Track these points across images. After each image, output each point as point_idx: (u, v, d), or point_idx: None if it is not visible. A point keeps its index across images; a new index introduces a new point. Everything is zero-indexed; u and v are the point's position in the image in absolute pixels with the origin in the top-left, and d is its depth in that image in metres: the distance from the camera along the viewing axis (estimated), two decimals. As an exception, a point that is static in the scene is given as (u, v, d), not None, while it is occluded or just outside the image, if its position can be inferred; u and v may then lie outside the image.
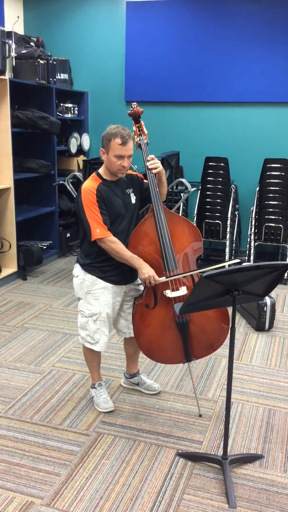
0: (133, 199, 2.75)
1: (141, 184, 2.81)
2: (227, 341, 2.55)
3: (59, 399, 3.04)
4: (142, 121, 2.83)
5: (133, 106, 2.83)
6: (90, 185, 2.64)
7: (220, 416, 2.89)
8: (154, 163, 2.70)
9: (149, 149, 2.79)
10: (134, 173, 2.85)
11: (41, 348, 3.70)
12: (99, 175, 2.69)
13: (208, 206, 5.41)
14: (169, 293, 2.68)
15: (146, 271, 2.61)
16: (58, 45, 6.18)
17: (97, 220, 2.59)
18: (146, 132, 2.83)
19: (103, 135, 2.61)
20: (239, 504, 2.24)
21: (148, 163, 2.71)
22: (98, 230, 2.59)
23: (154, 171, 2.71)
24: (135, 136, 2.81)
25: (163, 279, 2.65)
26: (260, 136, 5.75)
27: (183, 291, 2.68)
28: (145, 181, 2.82)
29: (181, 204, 5.26)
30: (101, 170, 2.70)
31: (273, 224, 5.25)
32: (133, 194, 2.76)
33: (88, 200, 2.60)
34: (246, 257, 5.42)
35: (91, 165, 4.78)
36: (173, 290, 2.68)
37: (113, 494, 2.28)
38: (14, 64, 5.21)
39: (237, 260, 2.51)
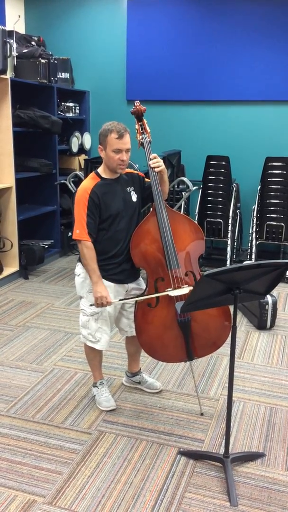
0: (134, 198, 2.76)
1: (142, 182, 2.82)
2: (228, 339, 2.55)
3: (60, 397, 3.04)
4: (144, 120, 2.84)
5: (136, 104, 2.82)
6: (86, 185, 2.65)
7: (221, 414, 2.89)
8: (157, 162, 2.70)
9: (151, 148, 2.79)
10: (135, 172, 2.86)
11: (43, 347, 3.71)
12: (97, 174, 2.70)
13: (210, 205, 5.40)
14: (171, 292, 2.68)
15: (100, 290, 2.62)
16: (59, 44, 6.18)
17: (81, 221, 2.60)
18: (148, 130, 2.83)
19: (99, 132, 2.62)
20: (240, 502, 2.24)
21: (150, 162, 2.71)
22: (78, 231, 2.61)
23: (156, 169, 2.71)
24: (138, 135, 2.81)
25: (115, 301, 2.68)
26: (261, 135, 5.74)
27: (185, 289, 2.68)
28: (146, 179, 2.83)
29: (183, 203, 5.26)
30: (100, 169, 2.71)
31: (274, 223, 5.24)
32: (134, 192, 2.76)
33: (80, 199, 2.62)
34: (248, 256, 5.42)
35: (93, 164, 4.78)
36: (175, 289, 2.68)
37: (115, 492, 2.29)
38: (15, 63, 5.22)
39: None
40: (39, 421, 2.81)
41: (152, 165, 2.70)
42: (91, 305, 2.73)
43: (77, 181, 5.40)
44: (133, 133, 2.75)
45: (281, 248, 5.70)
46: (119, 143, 2.57)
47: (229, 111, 5.81)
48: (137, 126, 2.83)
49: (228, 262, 5.26)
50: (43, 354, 3.60)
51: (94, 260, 2.63)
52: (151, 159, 2.72)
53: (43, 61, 5.27)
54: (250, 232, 5.47)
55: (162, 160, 2.73)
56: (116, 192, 2.68)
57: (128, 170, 2.77)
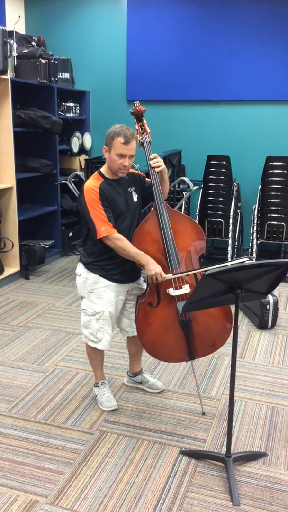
0: (135, 198, 2.76)
1: (143, 182, 2.82)
2: (230, 339, 2.55)
3: (62, 398, 3.04)
4: (144, 120, 2.84)
5: (135, 105, 2.83)
6: (92, 184, 2.64)
7: (223, 414, 2.89)
8: (157, 162, 2.71)
9: (151, 148, 2.79)
10: (136, 171, 2.86)
11: (44, 347, 3.71)
12: (101, 174, 2.70)
13: (210, 205, 5.40)
14: (172, 291, 2.68)
15: (153, 267, 2.60)
16: (60, 45, 6.18)
17: (101, 218, 2.60)
18: (148, 130, 2.83)
19: (107, 133, 2.61)
20: (242, 502, 2.24)
21: (151, 162, 2.72)
22: (103, 228, 2.59)
23: (156, 169, 2.71)
24: (138, 135, 2.81)
25: (170, 276, 2.64)
26: (262, 134, 5.74)
27: (186, 289, 2.68)
28: (147, 179, 2.83)
29: (183, 202, 5.26)
30: (103, 169, 2.71)
31: (275, 222, 5.24)
32: (135, 192, 2.76)
33: (91, 199, 2.61)
34: (249, 255, 5.42)
35: (93, 164, 4.78)
36: (176, 289, 2.68)
37: (117, 492, 2.29)
38: (15, 63, 5.22)
39: (243, 259, 2.42)
40: (40, 421, 2.81)
41: (152, 165, 2.71)
42: (144, 281, 2.71)
43: (78, 181, 5.40)
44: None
45: (282, 247, 5.70)
46: (124, 149, 2.56)
47: (229, 110, 5.81)
48: (137, 127, 2.83)
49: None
50: (44, 354, 3.60)
51: (131, 245, 2.63)
52: (151, 159, 2.72)
53: (43, 61, 5.27)
54: (251, 231, 5.46)
55: (162, 160, 2.73)
56: (118, 192, 2.68)
57: (130, 170, 2.77)
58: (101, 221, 2.59)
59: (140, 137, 2.81)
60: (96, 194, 2.60)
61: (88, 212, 2.61)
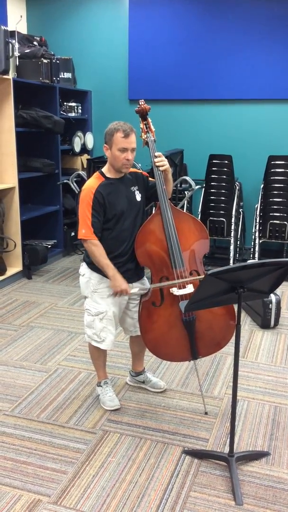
0: (138, 197, 2.75)
1: (146, 182, 2.81)
2: (232, 338, 2.55)
3: (65, 397, 3.05)
4: (149, 118, 2.83)
5: (140, 103, 2.82)
6: (90, 184, 2.65)
7: (226, 413, 2.89)
8: (162, 161, 2.70)
9: (155, 147, 2.79)
10: (139, 171, 2.86)
11: (47, 347, 3.71)
12: (102, 173, 2.70)
13: (212, 204, 5.40)
14: (175, 291, 2.68)
15: (119, 284, 2.64)
16: (61, 44, 6.19)
17: (86, 221, 2.61)
18: (153, 129, 2.82)
19: (105, 131, 2.62)
20: (245, 501, 2.24)
21: (156, 160, 2.71)
22: (84, 231, 2.61)
23: (161, 168, 2.71)
24: (142, 134, 2.80)
25: (135, 290, 2.71)
26: (264, 133, 5.73)
27: (189, 288, 2.68)
28: (150, 179, 2.82)
29: (185, 202, 5.26)
30: (104, 169, 2.71)
31: (277, 221, 5.23)
32: (138, 191, 2.76)
33: (85, 199, 2.62)
34: (251, 255, 5.42)
35: (95, 164, 4.78)
36: (179, 288, 2.68)
37: (119, 492, 2.29)
38: (17, 63, 5.22)
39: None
40: (43, 420, 2.81)
41: (157, 164, 2.70)
42: (108, 296, 2.73)
43: (80, 181, 5.40)
44: (138, 132, 2.74)
45: (285, 246, 5.70)
46: (125, 142, 2.57)
47: (231, 109, 5.80)
48: (141, 125, 2.82)
49: (231, 261, 5.26)
50: (47, 353, 3.60)
51: (105, 255, 2.64)
52: (156, 157, 2.72)
53: (45, 61, 5.27)
54: (253, 231, 5.46)
55: (166, 159, 2.73)
56: (121, 191, 2.68)
57: (132, 169, 2.77)
58: (84, 224, 2.61)
59: (145, 135, 2.80)
60: (91, 196, 2.60)
61: (77, 211, 2.64)
